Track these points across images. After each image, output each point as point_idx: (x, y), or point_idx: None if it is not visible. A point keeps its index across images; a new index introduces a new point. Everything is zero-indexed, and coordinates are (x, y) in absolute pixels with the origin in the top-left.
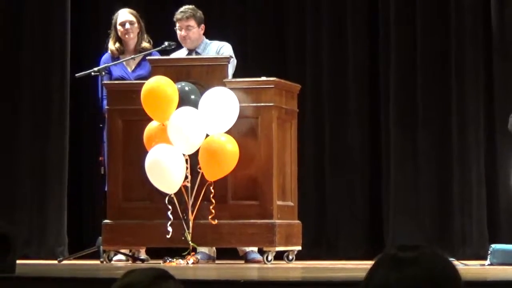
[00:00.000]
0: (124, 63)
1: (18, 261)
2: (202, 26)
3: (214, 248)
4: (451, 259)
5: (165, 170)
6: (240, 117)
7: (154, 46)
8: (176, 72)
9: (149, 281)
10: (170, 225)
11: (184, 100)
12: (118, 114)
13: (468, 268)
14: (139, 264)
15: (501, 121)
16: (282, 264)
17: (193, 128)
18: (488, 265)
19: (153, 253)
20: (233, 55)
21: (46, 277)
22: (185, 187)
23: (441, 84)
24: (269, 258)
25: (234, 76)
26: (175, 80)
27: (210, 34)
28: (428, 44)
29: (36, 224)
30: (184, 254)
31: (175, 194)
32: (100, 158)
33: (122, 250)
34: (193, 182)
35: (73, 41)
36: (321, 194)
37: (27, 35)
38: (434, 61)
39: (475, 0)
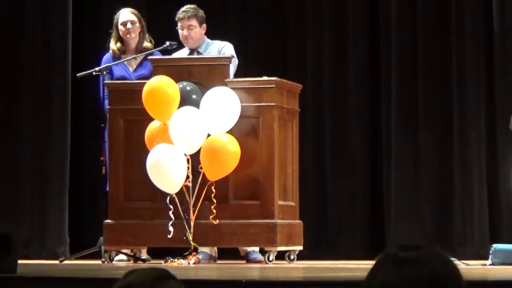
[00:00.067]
0: (125, 62)
1: (19, 261)
2: (204, 25)
3: (215, 248)
4: (452, 258)
5: (166, 170)
6: (242, 117)
7: (156, 45)
8: (178, 71)
9: (150, 281)
10: (171, 225)
11: (185, 99)
12: (120, 114)
13: (469, 268)
14: (140, 264)
15: (502, 120)
16: (284, 264)
17: (194, 128)
18: (490, 265)
19: (155, 253)
20: (235, 55)
21: (47, 277)
22: (187, 187)
23: (442, 84)
24: (271, 258)
25: (236, 75)
26: (177, 79)
27: (212, 33)
28: (429, 44)
29: (38, 224)
30: (185, 254)
31: (176, 194)
32: (102, 158)
33: (124, 250)
34: (194, 182)
35: (74, 41)
36: (322, 194)
37: (29, 35)
38: (435, 61)
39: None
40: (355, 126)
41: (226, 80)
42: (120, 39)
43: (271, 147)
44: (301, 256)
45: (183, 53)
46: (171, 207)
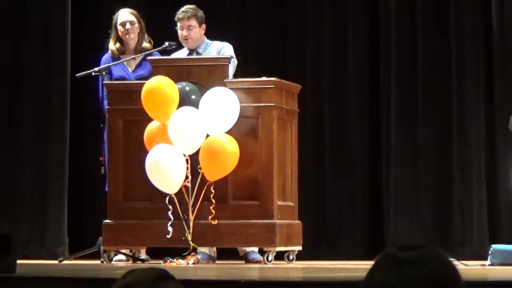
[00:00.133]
0: (124, 63)
1: (18, 261)
2: (203, 26)
3: (214, 248)
4: (451, 259)
5: (165, 170)
6: (241, 117)
7: (155, 46)
8: (177, 72)
9: (149, 281)
10: (170, 225)
11: (184, 100)
12: (119, 114)
13: (468, 268)
14: (139, 264)
15: (502, 120)
16: (283, 264)
17: (193, 128)
18: (489, 265)
19: (154, 253)
20: (234, 55)
21: (46, 277)
22: (186, 187)
23: (442, 83)
24: (270, 258)
25: (235, 76)
26: (176, 80)
27: (211, 34)
28: (429, 44)
29: (37, 224)
30: (184, 254)
31: (175, 194)
32: (101, 158)
33: (123, 250)
34: (193, 182)
35: (73, 41)
36: (322, 194)
37: (28, 35)
38: (435, 61)
39: None
40: (354, 126)
41: (225, 80)
42: (119, 39)
43: (270, 147)
44: (300, 256)
45: (182, 53)
46: (170, 207)
